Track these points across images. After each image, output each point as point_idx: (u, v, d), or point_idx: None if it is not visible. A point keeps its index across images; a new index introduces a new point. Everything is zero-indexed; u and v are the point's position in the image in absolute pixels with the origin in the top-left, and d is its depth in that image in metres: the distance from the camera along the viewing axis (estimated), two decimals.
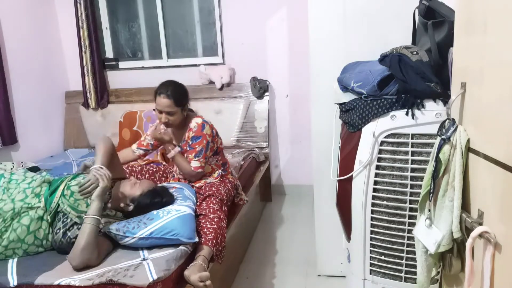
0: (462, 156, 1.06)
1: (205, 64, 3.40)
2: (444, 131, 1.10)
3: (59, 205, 1.63)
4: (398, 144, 1.48)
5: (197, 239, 1.66)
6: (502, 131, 0.89)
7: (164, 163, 2.70)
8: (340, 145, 1.76)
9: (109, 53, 3.73)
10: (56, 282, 1.40)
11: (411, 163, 1.46)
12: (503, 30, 0.88)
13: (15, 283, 1.43)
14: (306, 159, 3.36)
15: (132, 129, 3.20)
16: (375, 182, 1.54)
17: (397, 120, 1.47)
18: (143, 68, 3.65)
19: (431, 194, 1.13)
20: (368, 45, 1.80)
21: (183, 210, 1.71)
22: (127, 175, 2.13)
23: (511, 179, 0.85)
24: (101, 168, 1.66)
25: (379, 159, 1.52)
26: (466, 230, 1.05)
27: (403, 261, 1.55)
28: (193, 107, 3.28)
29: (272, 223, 3.04)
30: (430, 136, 1.42)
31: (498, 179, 0.91)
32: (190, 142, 2.03)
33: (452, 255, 1.13)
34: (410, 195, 1.48)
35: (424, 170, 1.31)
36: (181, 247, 1.60)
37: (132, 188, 1.75)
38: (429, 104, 1.43)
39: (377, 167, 1.52)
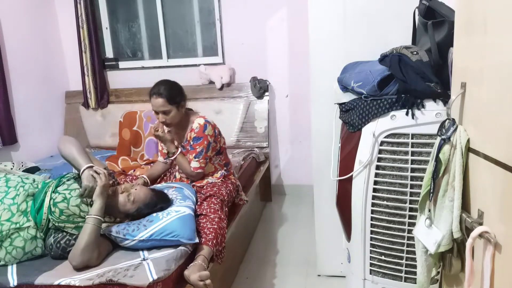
0: (462, 156, 1.06)
1: (205, 64, 3.40)
2: (444, 131, 1.10)
3: (49, 220, 1.58)
4: (398, 144, 1.48)
5: (197, 240, 1.66)
6: (502, 131, 0.89)
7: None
8: (340, 145, 1.76)
9: (109, 53, 3.73)
10: (56, 282, 1.40)
11: (411, 163, 1.46)
12: (503, 30, 0.88)
13: (15, 283, 1.43)
14: (306, 159, 3.36)
15: (132, 129, 3.19)
16: (375, 182, 1.54)
17: (397, 120, 1.47)
18: (143, 68, 3.65)
19: (431, 194, 1.13)
20: (368, 45, 1.80)
21: (183, 210, 1.71)
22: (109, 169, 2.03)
23: (511, 179, 0.85)
24: (91, 167, 1.60)
25: (379, 159, 1.52)
26: (466, 230, 1.05)
27: (403, 261, 1.55)
28: (193, 107, 3.27)
29: (272, 223, 3.04)
30: (430, 136, 1.42)
31: (498, 179, 0.91)
32: (192, 143, 2.03)
33: (452, 255, 1.13)
34: (410, 195, 1.48)
35: (424, 170, 1.31)
36: (181, 247, 1.60)
37: (127, 204, 1.67)
38: (429, 104, 1.43)
39: (377, 167, 1.52)
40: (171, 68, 3.55)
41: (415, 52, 1.46)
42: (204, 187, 2.05)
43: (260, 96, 3.32)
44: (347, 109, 1.66)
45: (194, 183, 2.09)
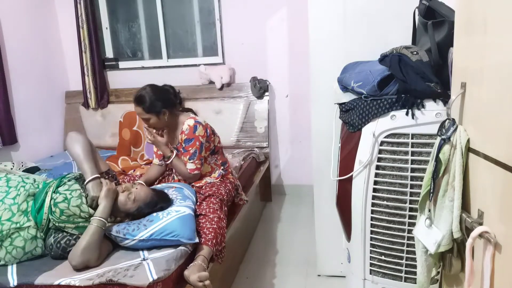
0: (462, 156, 1.06)
1: (205, 64, 3.40)
2: (444, 131, 1.10)
3: (50, 220, 1.59)
4: (398, 144, 1.48)
5: (197, 240, 1.66)
6: (502, 131, 0.89)
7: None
8: (340, 145, 1.76)
9: (109, 53, 3.73)
10: (56, 282, 1.40)
11: (411, 163, 1.46)
12: (503, 30, 0.88)
13: (15, 283, 1.43)
14: (306, 159, 3.36)
15: (132, 129, 3.20)
16: (375, 182, 1.54)
17: (397, 120, 1.47)
18: (143, 68, 3.65)
19: (431, 194, 1.13)
20: (368, 45, 1.80)
21: (183, 210, 1.71)
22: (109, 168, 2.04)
23: (511, 179, 0.85)
24: (96, 178, 1.65)
25: (379, 159, 1.52)
26: (466, 230, 1.05)
27: (403, 261, 1.55)
28: (193, 107, 3.29)
29: (272, 223, 3.04)
30: (430, 136, 1.42)
31: (498, 179, 0.91)
32: (184, 145, 2.03)
33: (452, 255, 1.13)
34: (410, 195, 1.48)
35: (424, 170, 1.31)
36: (181, 247, 1.60)
37: (127, 203, 1.68)
38: (429, 104, 1.43)
39: (377, 167, 1.52)
40: (171, 68, 3.55)
41: (415, 52, 1.46)
42: (203, 187, 2.05)
43: (260, 96, 3.32)
44: (347, 109, 1.66)
45: (193, 183, 2.09)
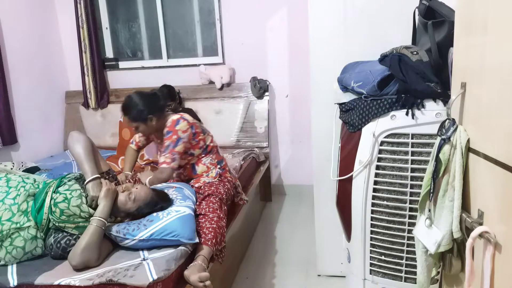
0: (462, 156, 1.06)
1: (205, 64, 3.40)
2: (444, 131, 1.10)
3: (50, 220, 1.59)
4: (398, 144, 1.48)
5: (197, 240, 1.66)
6: (502, 131, 0.89)
7: None
8: (340, 145, 1.76)
9: (109, 53, 3.73)
10: (56, 282, 1.40)
11: (411, 163, 1.46)
12: (503, 30, 0.88)
13: (15, 283, 1.43)
14: (306, 159, 3.35)
15: (132, 129, 3.19)
16: (375, 182, 1.54)
17: (397, 120, 1.47)
18: (143, 68, 3.65)
19: (431, 194, 1.13)
20: (368, 45, 1.80)
21: (183, 210, 1.71)
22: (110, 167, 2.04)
23: (511, 179, 0.85)
24: (97, 178, 1.66)
25: (379, 159, 1.52)
26: (466, 230, 1.05)
27: (403, 261, 1.55)
28: (193, 107, 3.30)
29: (272, 223, 3.04)
30: (430, 136, 1.42)
31: (498, 179, 0.91)
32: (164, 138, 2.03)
33: (452, 255, 1.13)
34: (410, 195, 1.48)
35: (424, 170, 1.31)
36: (181, 247, 1.60)
37: (127, 203, 1.68)
38: (429, 104, 1.43)
39: (377, 167, 1.53)
40: (171, 68, 3.55)
41: (415, 52, 1.46)
42: (202, 187, 2.04)
43: (260, 96, 3.32)
44: (347, 109, 1.66)
45: (192, 184, 2.08)
